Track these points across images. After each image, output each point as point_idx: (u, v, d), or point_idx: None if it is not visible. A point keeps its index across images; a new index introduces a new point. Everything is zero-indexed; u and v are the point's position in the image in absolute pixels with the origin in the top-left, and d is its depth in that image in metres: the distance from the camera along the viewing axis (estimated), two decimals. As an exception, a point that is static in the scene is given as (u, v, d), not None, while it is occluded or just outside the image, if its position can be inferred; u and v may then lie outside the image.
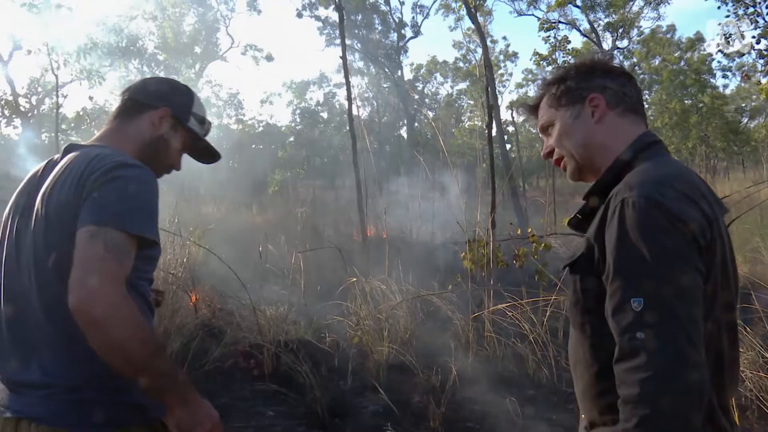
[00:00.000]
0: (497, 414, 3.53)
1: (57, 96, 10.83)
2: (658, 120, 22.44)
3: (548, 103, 1.26)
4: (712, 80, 21.36)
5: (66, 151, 1.35)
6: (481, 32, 11.98)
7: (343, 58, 8.57)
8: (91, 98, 26.78)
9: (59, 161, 1.32)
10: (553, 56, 15.74)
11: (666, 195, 0.99)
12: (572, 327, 1.17)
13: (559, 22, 16.11)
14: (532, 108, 1.32)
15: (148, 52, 23.70)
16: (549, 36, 15.57)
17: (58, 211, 1.20)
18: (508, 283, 5.10)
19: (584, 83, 1.21)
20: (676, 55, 21.75)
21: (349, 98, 8.29)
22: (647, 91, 23.48)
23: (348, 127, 8.27)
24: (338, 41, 8.28)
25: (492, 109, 7.16)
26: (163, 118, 1.43)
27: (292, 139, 28.33)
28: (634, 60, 21.75)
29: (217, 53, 26.64)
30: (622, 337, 0.96)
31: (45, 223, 1.21)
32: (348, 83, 8.43)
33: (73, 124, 21.78)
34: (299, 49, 68.11)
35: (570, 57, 16.10)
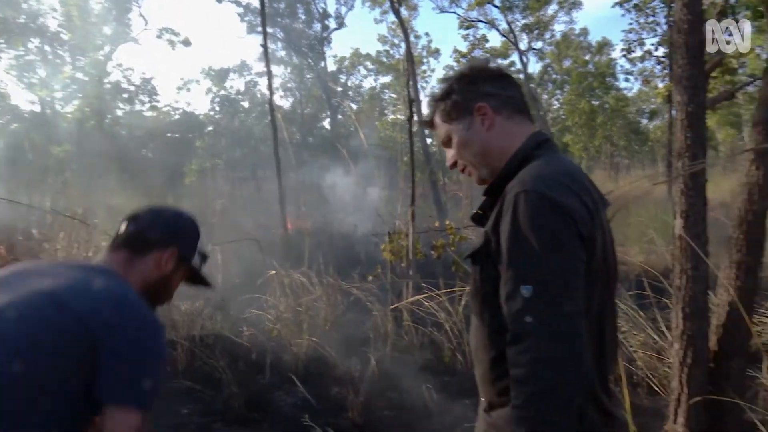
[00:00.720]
0: (414, 401, 3.63)
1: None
2: (569, 119, 23.71)
3: (441, 119, 1.32)
4: (616, 83, 22.82)
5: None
6: (404, 27, 12.08)
7: (264, 46, 8.37)
8: (-17, 78, 24.54)
9: (72, 264, 1.36)
10: (473, 54, 16.19)
11: (554, 189, 1.07)
12: (473, 315, 1.24)
13: (479, 21, 16.58)
14: (429, 123, 1.37)
15: (51, 31, 21.99)
16: (468, 34, 15.99)
17: (54, 307, 1.18)
18: (426, 274, 5.23)
19: (469, 94, 1.27)
20: (587, 57, 23.04)
21: (270, 88, 8.14)
22: (559, 91, 24.72)
23: (270, 118, 8.10)
24: (260, 29, 8.06)
25: (413, 103, 7.27)
26: (170, 258, 1.44)
27: (210, 128, 27.36)
28: (548, 61, 22.83)
29: (128, 35, 25.16)
30: (513, 322, 1.04)
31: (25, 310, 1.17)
32: (269, 73, 8.26)
33: (-38, 106, 19.87)
34: (219, 35, 65.55)
35: (488, 55, 16.63)
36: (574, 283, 1.03)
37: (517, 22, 19.74)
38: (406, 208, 5.65)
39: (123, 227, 1.44)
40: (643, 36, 13.74)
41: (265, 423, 3.47)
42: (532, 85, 20.23)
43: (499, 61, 20.32)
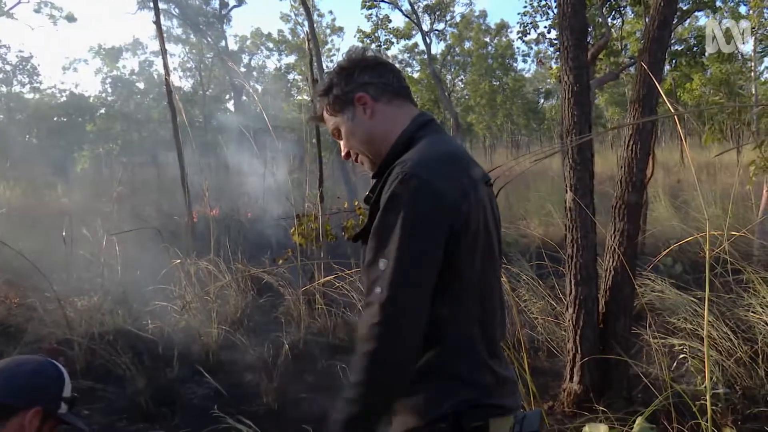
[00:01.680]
0: (330, 382, 3.65)
1: None
2: (472, 99, 24.49)
3: (327, 112, 1.37)
4: (515, 64, 23.85)
5: None
6: (306, 5, 11.86)
7: (157, 23, 7.86)
8: None
9: None
10: (376, 34, 16.19)
11: (429, 171, 1.13)
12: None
13: (381, 0, 16.54)
14: (318, 118, 1.42)
15: None
16: (371, 14, 15.95)
17: None
18: (338, 256, 5.23)
19: (348, 86, 1.31)
20: (487, 39, 23.78)
21: (166, 67, 7.66)
22: (462, 72, 25.40)
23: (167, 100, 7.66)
24: (152, 4, 7.55)
25: (318, 83, 7.17)
26: (34, 419, 1.35)
27: (103, 111, 25.50)
28: (450, 42, 23.33)
29: (1, 9, 22.72)
30: (368, 290, 1.12)
31: None
32: (164, 51, 7.76)
33: None
34: (107, 11, 60.79)
35: (392, 36, 16.69)
36: (426, 261, 1.11)
37: (420, 3, 19.96)
38: (315, 190, 5.61)
39: None
40: (537, 19, 14.35)
41: (175, 417, 3.36)
42: (436, 66, 20.62)
43: (403, 41, 20.54)
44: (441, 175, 1.14)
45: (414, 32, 20.72)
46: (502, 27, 23.25)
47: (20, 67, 23.23)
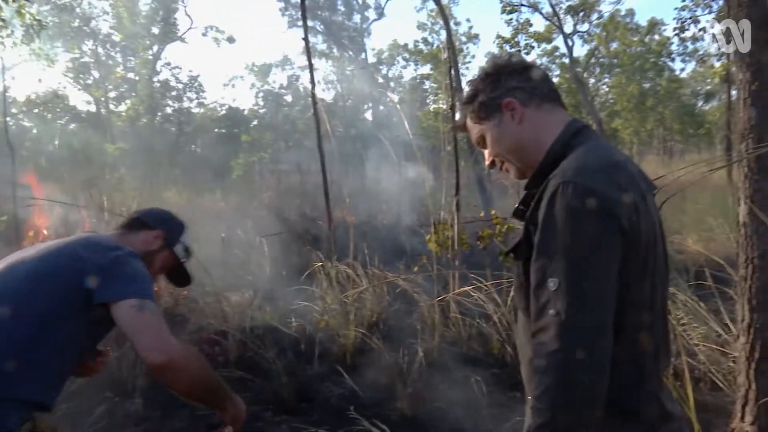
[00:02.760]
0: (463, 393, 3.58)
1: (3, 79, 10.34)
2: (618, 103, 22.93)
3: (472, 120, 1.32)
4: (670, 64, 21.90)
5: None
6: (444, 14, 11.91)
7: (306, 40, 8.39)
8: (40, 80, 25.77)
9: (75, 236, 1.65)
10: (516, 39, 15.82)
11: (597, 181, 1.03)
12: (519, 310, 1.20)
13: (521, 5, 16.13)
14: (461, 127, 1.37)
15: (103, 33, 22.86)
16: (511, 19, 15.62)
17: (65, 255, 1.51)
18: (473, 265, 5.14)
19: (494, 92, 1.25)
20: (636, 39, 22.13)
21: (312, 81, 8.14)
22: (607, 75, 23.89)
23: (312, 111, 8.13)
24: (301, 23, 8.08)
25: (455, 91, 7.16)
26: (156, 238, 1.74)
27: (255, 122, 27.89)
28: (594, 44, 22.06)
29: (175, 34, 25.83)
30: (539, 313, 1.02)
31: (40, 261, 1.50)
32: (311, 66, 8.27)
33: (24, 108, 20.92)
34: (261, 31, 66.45)
35: (532, 40, 16.20)
36: (603, 279, 1.01)
37: (561, 5, 19.13)
38: (450, 198, 5.58)
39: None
40: (697, 13, 13.06)
41: (315, 413, 3.51)
42: (578, 69, 19.62)
43: (543, 45, 19.81)
44: (605, 183, 1.03)
45: (554, 35, 19.92)
46: (654, 24, 21.47)
47: (189, 85, 26.18)
